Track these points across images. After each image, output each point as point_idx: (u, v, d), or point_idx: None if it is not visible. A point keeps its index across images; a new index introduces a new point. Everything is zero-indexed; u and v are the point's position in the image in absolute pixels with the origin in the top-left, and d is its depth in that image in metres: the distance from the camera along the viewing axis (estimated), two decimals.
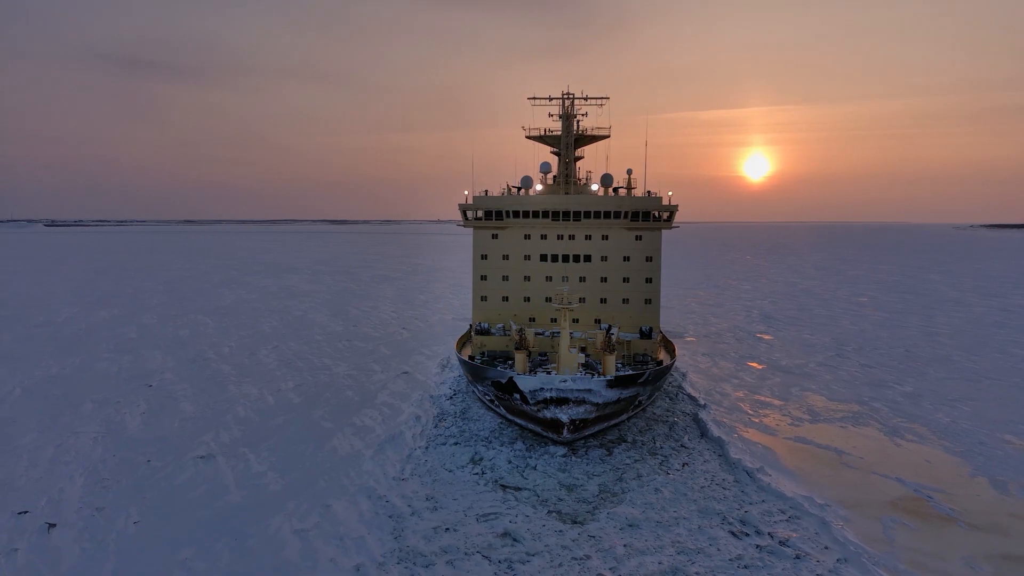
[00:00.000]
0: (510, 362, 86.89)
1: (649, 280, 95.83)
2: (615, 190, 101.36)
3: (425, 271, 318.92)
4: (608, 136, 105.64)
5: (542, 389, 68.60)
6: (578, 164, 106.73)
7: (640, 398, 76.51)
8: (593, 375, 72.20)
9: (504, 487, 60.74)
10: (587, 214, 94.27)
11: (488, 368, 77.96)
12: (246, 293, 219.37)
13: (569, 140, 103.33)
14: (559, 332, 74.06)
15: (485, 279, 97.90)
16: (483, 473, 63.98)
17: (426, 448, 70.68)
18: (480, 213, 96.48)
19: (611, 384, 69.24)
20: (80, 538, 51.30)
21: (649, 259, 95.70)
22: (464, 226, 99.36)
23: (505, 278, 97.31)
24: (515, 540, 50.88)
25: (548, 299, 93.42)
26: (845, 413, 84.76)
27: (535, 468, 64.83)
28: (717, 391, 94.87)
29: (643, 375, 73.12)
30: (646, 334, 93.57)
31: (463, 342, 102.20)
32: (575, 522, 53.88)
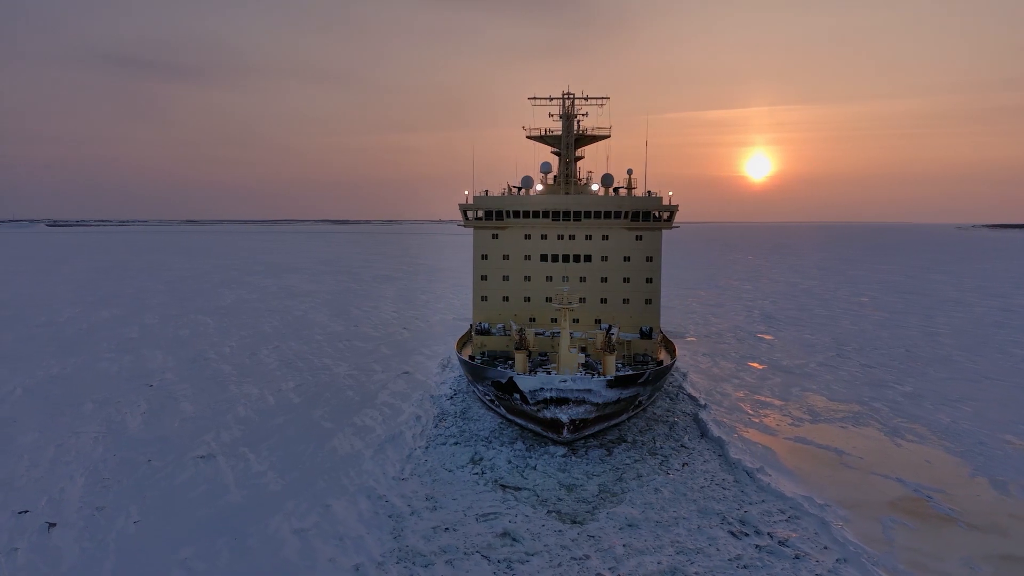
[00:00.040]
0: (510, 362, 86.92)
1: (649, 280, 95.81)
2: (615, 190, 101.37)
3: (426, 271, 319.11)
4: (608, 136, 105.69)
5: (542, 389, 68.64)
6: (578, 164, 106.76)
7: (640, 398, 76.51)
8: (593, 375, 72.21)
9: (504, 487, 60.78)
10: (587, 214, 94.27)
11: (488, 368, 78.01)
12: (247, 293, 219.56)
13: (569, 140, 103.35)
14: (559, 332, 74.08)
15: (485, 279, 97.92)
16: (483, 473, 64.02)
17: (426, 448, 70.73)
18: (480, 213, 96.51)
19: (611, 384, 69.26)
20: (80, 537, 51.40)
21: (649, 259, 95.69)
22: (464, 226, 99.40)
23: (505, 278, 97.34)
24: (514, 540, 50.92)
25: (548, 299, 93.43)
26: (845, 413, 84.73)
27: (535, 468, 64.86)
28: (717, 391, 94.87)
29: (643, 375, 73.13)
30: (646, 334, 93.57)
31: (463, 342, 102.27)
32: (574, 522, 53.91)
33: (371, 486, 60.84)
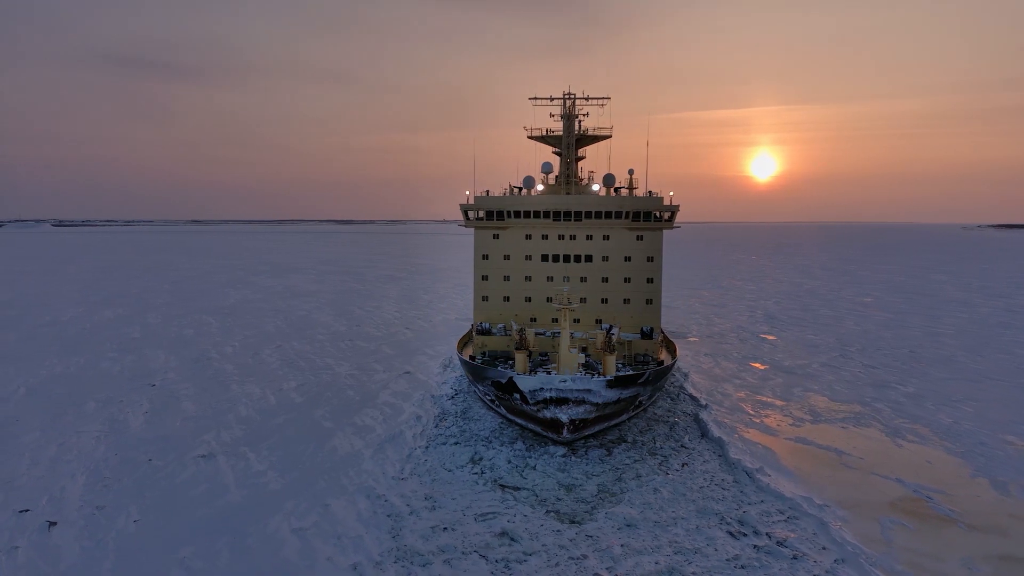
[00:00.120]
0: (511, 362, 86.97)
1: (650, 280, 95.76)
2: (616, 190, 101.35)
3: (429, 271, 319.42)
4: (610, 136, 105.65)
5: (542, 389, 68.67)
6: (580, 164, 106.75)
7: (640, 398, 76.49)
8: (593, 375, 72.21)
9: (503, 487, 60.83)
10: (588, 214, 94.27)
11: (488, 368, 78.07)
12: (251, 293, 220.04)
13: (570, 140, 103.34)
14: (560, 332, 74.11)
15: (486, 279, 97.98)
16: (482, 473, 64.09)
17: (426, 448, 70.83)
18: (481, 213, 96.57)
19: (611, 384, 69.26)
20: (80, 536, 51.62)
21: (650, 259, 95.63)
22: (465, 226, 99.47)
23: (506, 278, 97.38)
24: (512, 540, 50.97)
25: (549, 299, 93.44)
26: (847, 414, 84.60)
27: (534, 468, 64.90)
28: (719, 391, 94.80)
29: (643, 375, 73.11)
30: (647, 334, 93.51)
31: (464, 342, 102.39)
32: (573, 522, 53.93)
33: (370, 486, 60.96)
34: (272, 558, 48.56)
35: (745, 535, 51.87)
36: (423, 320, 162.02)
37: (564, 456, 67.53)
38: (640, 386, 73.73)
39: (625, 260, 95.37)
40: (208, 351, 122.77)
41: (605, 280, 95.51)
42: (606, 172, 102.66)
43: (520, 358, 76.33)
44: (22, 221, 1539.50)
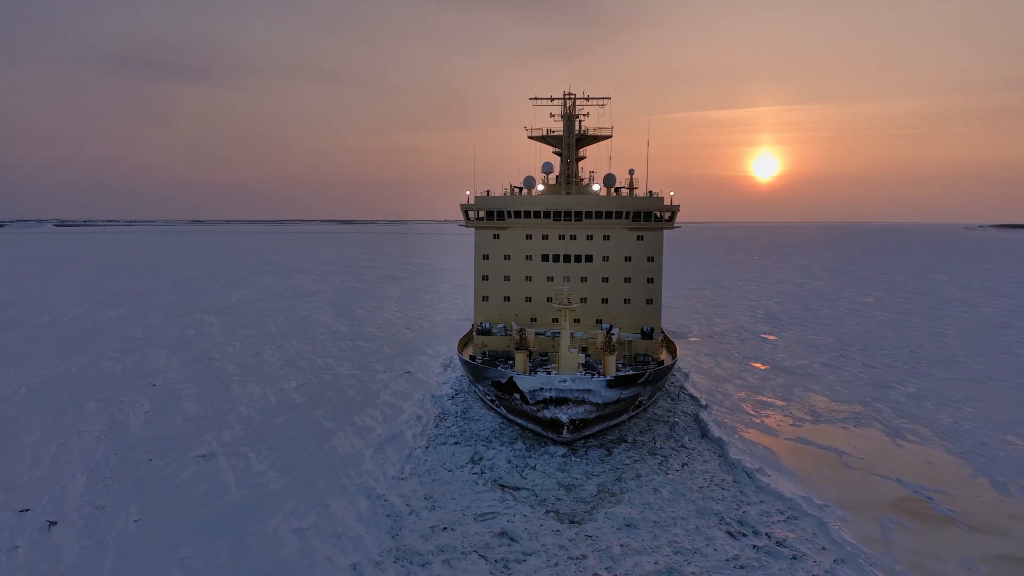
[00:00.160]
0: (511, 362, 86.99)
1: (651, 280, 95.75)
2: (617, 190, 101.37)
3: (431, 271, 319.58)
4: (610, 136, 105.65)
5: (542, 389, 68.68)
6: (580, 164, 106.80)
7: (640, 398, 76.48)
8: (593, 375, 72.22)
9: (503, 487, 60.85)
10: (588, 214, 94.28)
11: (488, 368, 78.10)
12: (252, 293, 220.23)
13: (571, 140, 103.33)
14: (560, 332, 74.13)
15: (487, 279, 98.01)
16: (482, 473, 64.12)
17: (426, 448, 70.86)
18: (482, 213, 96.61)
19: (611, 384, 69.25)
20: (80, 536, 51.69)
21: (651, 259, 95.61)
22: (466, 226, 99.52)
23: (507, 278, 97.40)
24: (512, 540, 50.98)
25: (549, 299, 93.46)
26: (847, 414, 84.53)
27: (534, 468, 64.91)
28: (719, 391, 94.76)
29: (643, 375, 73.10)
30: (647, 334, 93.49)
31: (465, 342, 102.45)
32: (572, 522, 53.94)
33: (370, 485, 61.00)
34: (272, 558, 48.61)
35: (744, 535, 51.85)
36: (424, 320, 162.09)
37: (564, 456, 67.54)
38: (640, 386, 73.72)
39: (625, 260, 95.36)
40: (209, 351, 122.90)
41: (605, 280, 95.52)
42: (607, 172, 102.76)
43: (520, 358, 76.36)
44: (24, 221, 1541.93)
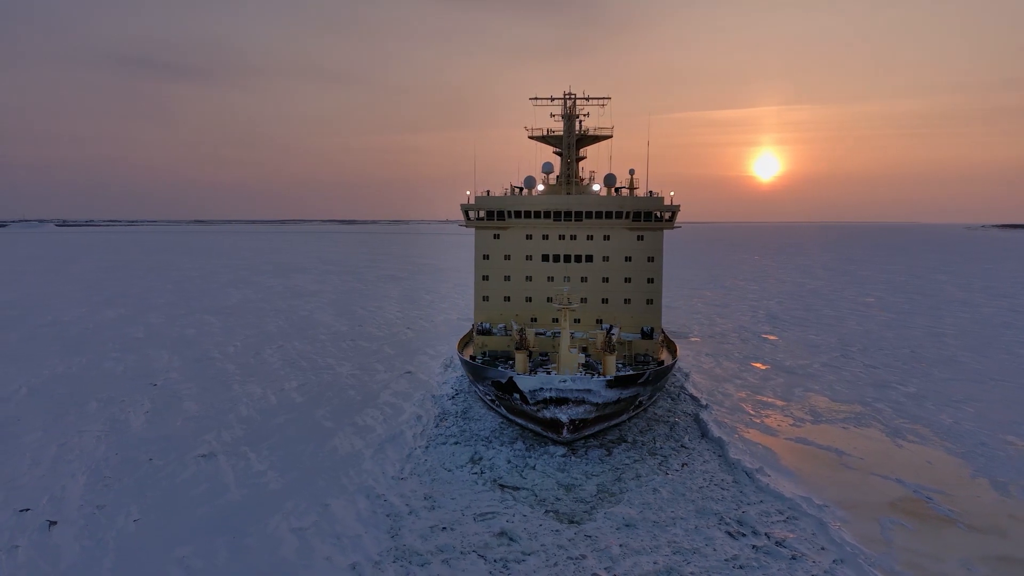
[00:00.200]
0: (511, 362, 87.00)
1: (651, 280, 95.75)
2: (617, 190, 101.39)
3: (432, 271, 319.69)
4: (611, 136, 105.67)
5: (542, 389, 68.68)
6: (581, 164, 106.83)
7: (640, 398, 76.47)
8: (593, 375, 72.23)
9: (503, 487, 60.87)
10: (589, 214, 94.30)
11: (488, 368, 78.14)
12: (253, 293, 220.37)
13: (571, 140, 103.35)
14: (560, 332, 74.14)
15: (487, 279, 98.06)
16: (482, 473, 64.14)
17: (426, 447, 70.89)
18: (482, 213, 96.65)
19: (611, 384, 69.25)
20: (80, 536, 51.74)
21: (651, 259, 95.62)
22: (466, 226, 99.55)
23: (507, 278, 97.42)
24: (511, 539, 50.99)
25: (549, 299, 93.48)
26: (847, 414, 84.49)
27: (534, 468, 64.93)
28: (719, 391, 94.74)
29: (643, 375, 73.09)
30: (647, 334, 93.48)
31: (465, 342, 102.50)
32: (572, 522, 53.95)
33: (370, 485, 61.04)
34: (271, 557, 48.65)
35: (744, 535, 51.84)
36: (425, 320, 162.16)
37: (564, 456, 67.55)
38: (640, 386, 73.72)
39: (626, 260, 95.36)
40: (210, 351, 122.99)
41: (606, 280, 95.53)
42: (607, 172, 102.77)
43: (520, 358, 76.38)
44: (26, 221, 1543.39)
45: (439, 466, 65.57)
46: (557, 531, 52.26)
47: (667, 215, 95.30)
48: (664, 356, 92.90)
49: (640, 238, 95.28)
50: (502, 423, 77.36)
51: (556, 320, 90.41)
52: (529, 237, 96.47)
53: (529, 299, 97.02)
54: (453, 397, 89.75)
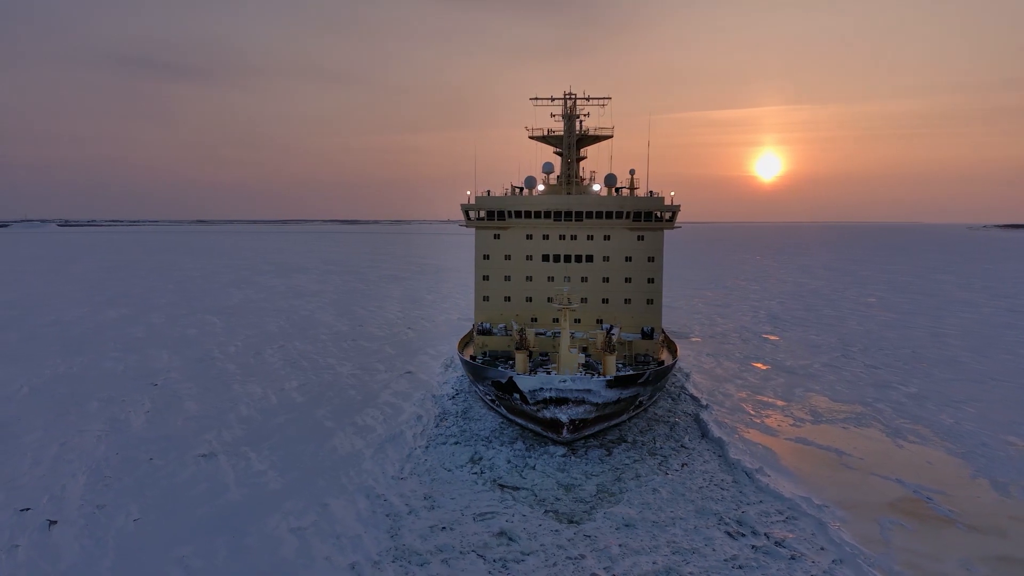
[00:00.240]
0: (511, 362, 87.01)
1: (651, 280, 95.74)
2: (617, 190, 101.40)
3: (433, 271, 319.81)
4: (611, 136, 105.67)
5: (541, 389, 68.68)
6: (581, 164, 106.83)
7: (641, 398, 76.45)
8: (593, 375, 72.22)
9: (502, 487, 60.89)
10: (589, 214, 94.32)
11: (488, 368, 78.17)
12: (254, 293, 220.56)
13: (571, 140, 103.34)
14: (560, 332, 74.15)
15: (487, 279, 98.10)
16: (482, 472, 64.17)
17: (426, 447, 70.92)
18: (482, 213, 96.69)
19: (610, 384, 69.24)
20: (80, 535, 51.82)
21: (651, 259, 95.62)
22: (466, 226, 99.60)
23: (507, 278, 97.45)
24: (510, 539, 51.01)
25: (550, 299, 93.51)
26: (848, 414, 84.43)
27: (534, 468, 64.94)
28: (720, 392, 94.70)
29: (643, 375, 73.08)
30: (648, 334, 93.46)
31: (465, 342, 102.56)
32: (571, 522, 53.95)
33: (370, 485, 61.09)
34: (270, 557, 48.70)
35: (743, 535, 51.84)
36: (426, 320, 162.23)
37: (564, 456, 67.55)
38: (640, 386, 73.71)
39: (626, 260, 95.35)
40: (211, 351, 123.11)
41: (606, 280, 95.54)
42: (608, 172, 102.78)
43: (520, 358, 76.41)
44: (28, 221, 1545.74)
45: (439, 466, 65.60)
46: (556, 531, 52.27)
47: (667, 215, 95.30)
48: (664, 356, 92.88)
49: (640, 238, 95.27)
50: (502, 423, 77.37)
51: (556, 320, 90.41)
52: (529, 237, 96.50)
53: (529, 299, 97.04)
54: (453, 397, 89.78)
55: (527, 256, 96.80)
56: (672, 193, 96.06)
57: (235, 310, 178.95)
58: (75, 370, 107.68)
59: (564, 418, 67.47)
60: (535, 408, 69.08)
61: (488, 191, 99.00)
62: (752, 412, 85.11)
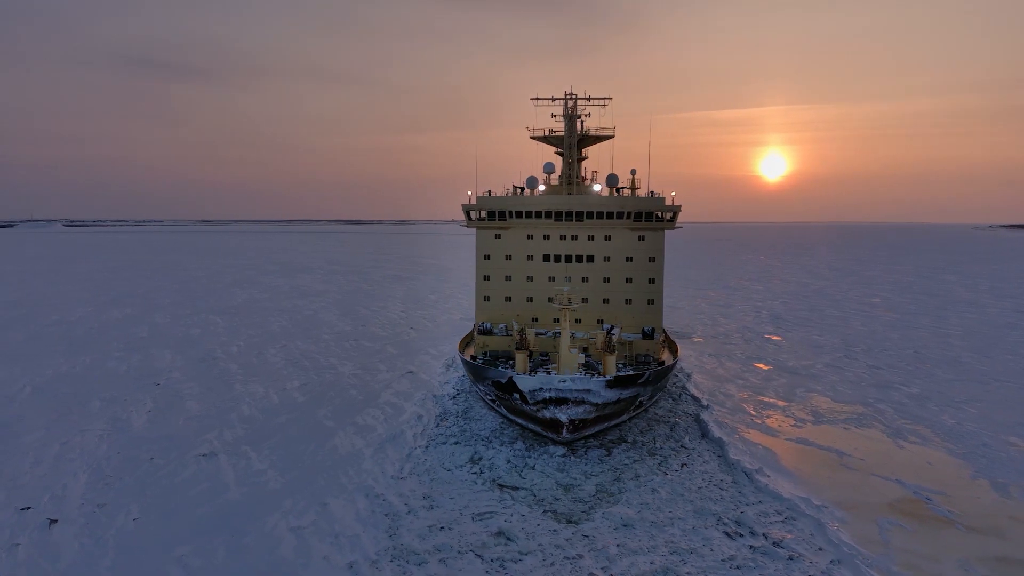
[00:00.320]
0: (511, 362, 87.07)
1: (652, 280, 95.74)
2: (619, 190, 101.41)
3: (436, 271, 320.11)
4: (612, 136, 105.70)
5: (541, 389, 68.70)
6: (583, 164, 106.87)
7: (641, 398, 76.43)
8: (593, 375, 72.23)
9: (501, 486, 60.94)
10: (590, 214, 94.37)
11: (489, 368, 78.25)
12: (258, 293, 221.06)
13: (572, 141, 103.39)
14: (560, 332, 74.19)
15: (488, 279, 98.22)
16: (481, 472, 64.23)
17: (426, 447, 71.02)
18: (483, 213, 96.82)
19: (610, 384, 69.24)
20: (80, 534, 52.05)
21: (652, 259, 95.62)
22: (467, 226, 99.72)
23: (508, 278, 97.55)
24: (509, 539, 51.06)
25: (550, 299, 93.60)
26: (849, 414, 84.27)
27: (533, 468, 64.98)
28: (721, 392, 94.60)
29: (643, 375, 73.06)
30: (648, 334, 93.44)
31: (466, 342, 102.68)
32: (570, 522, 53.98)
33: (369, 485, 61.20)
34: (269, 556, 48.84)
35: (742, 535, 51.81)
36: (428, 320, 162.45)
37: (563, 456, 67.57)
38: (640, 386, 73.69)
39: (627, 260, 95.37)
40: (214, 350, 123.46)
41: (607, 280, 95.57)
42: (609, 172, 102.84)
43: (520, 358, 76.48)
44: (34, 221, 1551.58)
45: (439, 466, 65.69)
46: (555, 531, 52.30)
47: (668, 215, 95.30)
48: (665, 356, 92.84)
49: (641, 238, 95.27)
50: (502, 423, 77.44)
51: (557, 320, 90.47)
52: (530, 237, 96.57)
53: (530, 299, 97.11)
54: (454, 397, 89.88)
55: (528, 256, 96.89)
56: (673, 193, 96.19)
57: (238, 310, 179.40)
58: (78, 370, 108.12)
59: (564, 418, 67.51)
60: (535, 408, 69.12)
61: (489, 191, 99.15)
62: (753, 412, 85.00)
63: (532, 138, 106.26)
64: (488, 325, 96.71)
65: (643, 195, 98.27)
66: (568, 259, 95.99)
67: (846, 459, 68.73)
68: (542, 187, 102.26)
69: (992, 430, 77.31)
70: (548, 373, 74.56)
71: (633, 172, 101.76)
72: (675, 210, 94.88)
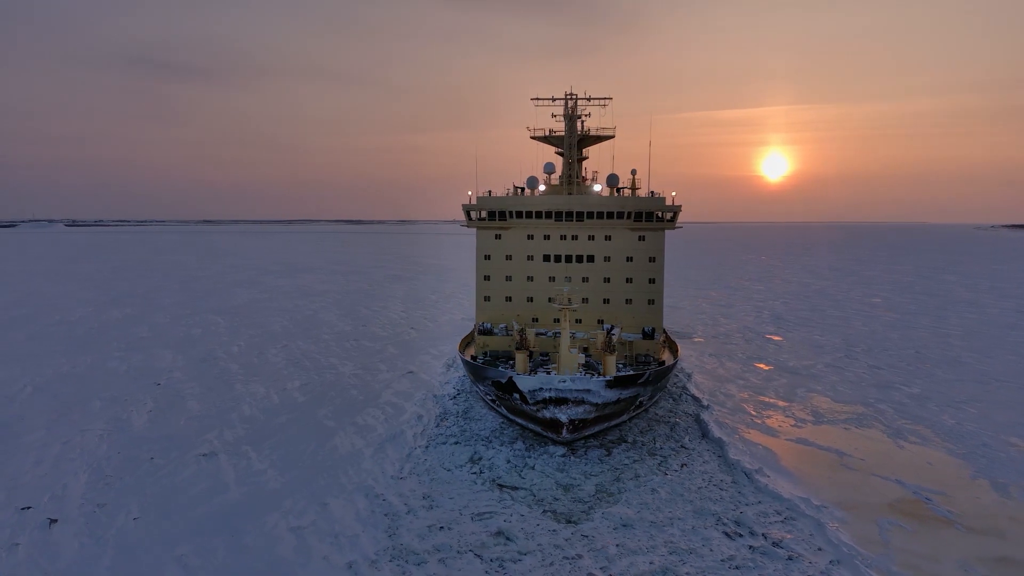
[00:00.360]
0: (511, 362, 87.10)
1: (652, 280, 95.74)
2: (619, 190, 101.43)
3: (437, 271, 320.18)
4: (613, 136, 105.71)
5: (541, 389, 68.72)
6: (583, 164, 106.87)
7: (641, 398, 76.43)
8: (593, 375, 72.25)
9: (501, 486, 60.95)
10: (590, 214, 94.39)
11: (489, 368, 78.27)
12: (259, 293, 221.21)
13: (572, 141, 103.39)
14: (560, 332, 74.21)
15: (488, 279, 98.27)
16: (481, 472, 64.24)
17: (426, 447, 71.05)
18: (483, 213, 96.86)
19: (610, 384, 69.25)
20: (80, 534, 52.13)
21: (652, 259, 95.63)
22: (468, 226, 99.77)
23: (508, 278, 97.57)
24: (508, 539, 51.08)
25: (551, 299, 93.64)
26: (849, 414, 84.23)
27: (533, 468, 64.98)
28: (721, 392, 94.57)
29: (643, 375, 73.06)
30: (649, 334, 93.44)
31: (467, 342, 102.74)
32: (569, 522, 53.98)
33: (369, 485, 61.24)
34: (268, 556, 48.89)
35: (741, 536, 51.81)
36: (429, 320, 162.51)
37: (563, 456, 67.59)
38: (640, 386, 73.69)
39: (627, 260, 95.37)
40: (215, 350, 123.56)
41: (607, 280, 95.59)
42: (609, 172, 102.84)
43: (520, 358, 76.50)
44: (36, 221, 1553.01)
45: (438, 466, 65.72)
46: (554, 531, 52.31)
47: (669, 215, 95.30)
48: (665, 356, 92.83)
49: (642, 238, 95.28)
50: (502, 423, 77.47)
51: (557, 320, 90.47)
52: (530, 237, 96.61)
53: (531, 299, 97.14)
54: (454, 397, 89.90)
55: (528, 256, 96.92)
56: (674, 193, 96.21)
57: (240, 310, 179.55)
58: (79, 369, 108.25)
59: (564, 418, 67.52)
60: (535, 408, 69.14)
61: (489, 191, 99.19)
62: (753, 412, 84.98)
63: (532, 138, 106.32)
64: (488, 325, 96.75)
65: (643, 195, 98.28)
66: (568, 259, 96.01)
67: (846, 459, 68.71)
68: (542, 187, 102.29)
69: (992, 430, 77.26)
70: (548, 373, 74.57)
71: (633, 172, 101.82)
72: (675, 210, 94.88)
